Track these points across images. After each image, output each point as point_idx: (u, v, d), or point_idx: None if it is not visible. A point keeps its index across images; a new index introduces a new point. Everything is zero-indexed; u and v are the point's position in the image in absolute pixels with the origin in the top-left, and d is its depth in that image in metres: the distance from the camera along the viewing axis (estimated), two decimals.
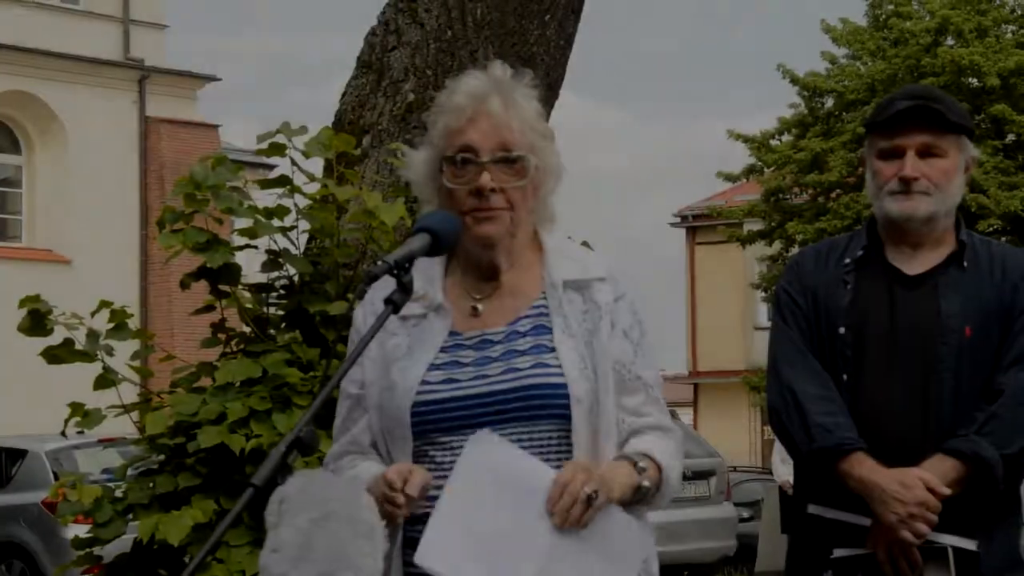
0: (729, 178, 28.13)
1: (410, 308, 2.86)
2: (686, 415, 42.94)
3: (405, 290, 2.72)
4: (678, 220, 43.81)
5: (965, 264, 3.59)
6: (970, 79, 26.68)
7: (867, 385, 3.53)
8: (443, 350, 2.90)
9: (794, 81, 26.85)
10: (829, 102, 27.46)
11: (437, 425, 2.85)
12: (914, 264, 3.61)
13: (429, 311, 2.92)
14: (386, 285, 2.80)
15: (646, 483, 2.84)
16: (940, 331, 3.51)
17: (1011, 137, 27.45)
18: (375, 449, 2.94)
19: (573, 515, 2.70)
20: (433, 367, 2.88)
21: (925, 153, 3.57)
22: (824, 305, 3.55)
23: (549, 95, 5.77)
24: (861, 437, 3.46)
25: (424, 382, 2.86)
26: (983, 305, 3.54)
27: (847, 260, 3.64)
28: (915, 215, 3.55)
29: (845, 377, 3.54)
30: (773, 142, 27.52)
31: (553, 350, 2.87)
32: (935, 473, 3.41)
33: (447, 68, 5.49)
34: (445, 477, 2.79)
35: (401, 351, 2.91)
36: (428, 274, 2.94)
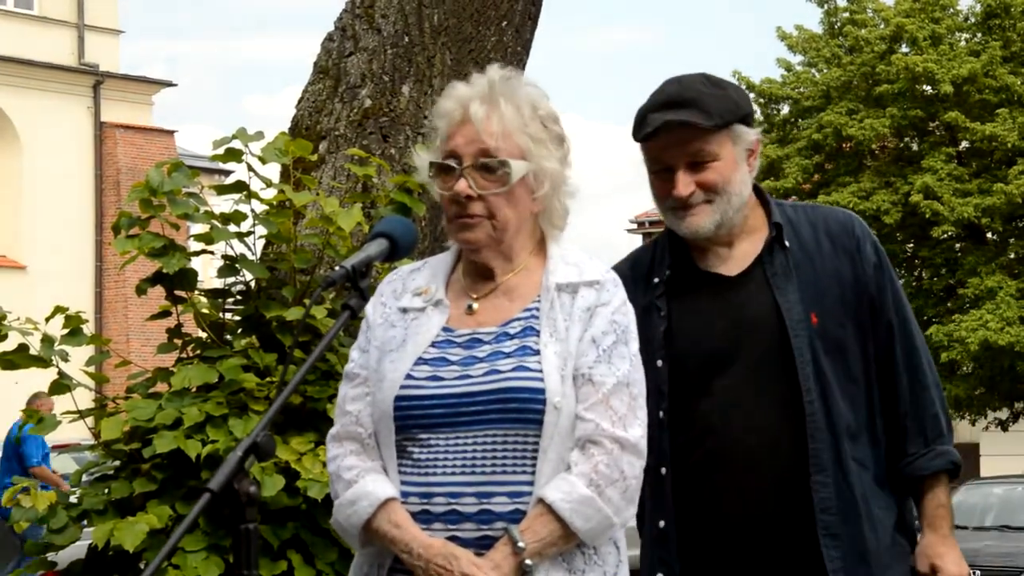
0: None
1: (412, 302, 2.94)
2: None
3: (363, 296, 2.71)
4: (635, 226, 43.87)
5: (787, 244, 3.35)
6: (924, 86, 26.88)
7: (723, 410, 3.27)
8: (434, 345, 2.90)
9: (750, 88, 26.99)
10: (785, 109, 27.64)
11: (417, 421, 2.84)
12: (732, 263, 3.37)
13: (428, 305, 2.95)
14: (397, 278, 2.95)
15: (528, 561, 2.75)
16: (788, 325, 3.26)
17: (964, 144, 27.67)
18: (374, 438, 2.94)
19: None
20: (421, 361, 2.88)
21: (695, 163, 3.30)
22: (643, 336, 3.06)
23: None
24: (728, 466, 3.23)
25: (409, 376, 2.87)
26: (820, 285, 3.31)
27: (656, 280, 3.41)
28: (701, 229, 3.31)
29: (661, 414, 3.27)
30: None
31: (537, 353, 2.85)
32: (934, 510, 3.35)
33: (404, 74, 5.50)
34: (422, 475, 2.82)
35: (395, 343, 2.93)
36: (436, 270, 3.01)
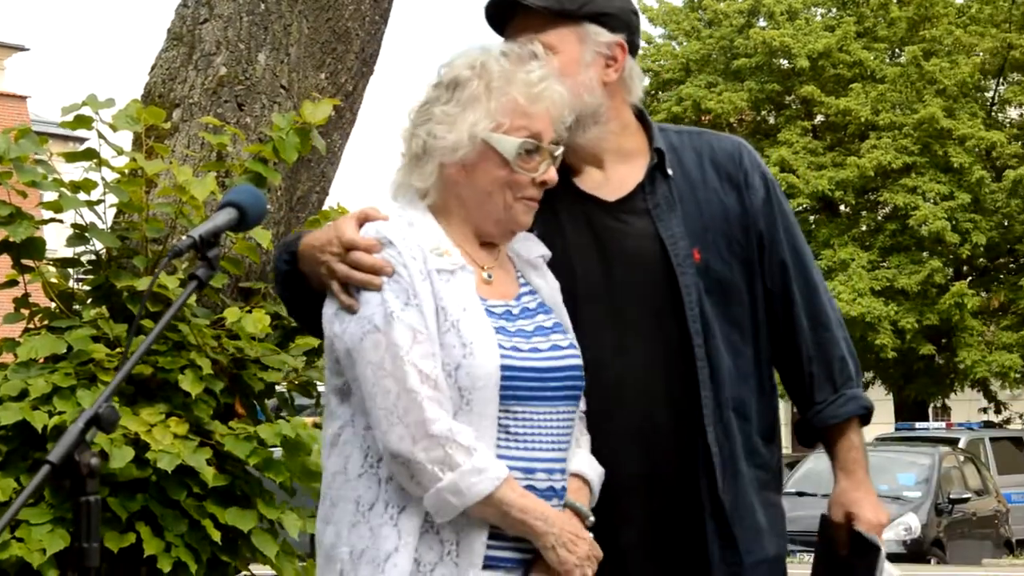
0: None
1: (439, 262, 2.75)
2: None
3: (211, 265, 2.68)
4: None
5: (670, 173, 3.06)
6: (781, 60, 27.30)
7: (602, 355, 2.95)
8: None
9: None
10: (646, 81, 27.88)
11: (515, 393, 2.72)
12: (608, 188, 3.05)
13: (457, 269, 2.77)
14: (414, 235, 2.73)
15: (591, 519, 2.83)
16: (673, 261, 2.99)
17: (820, 118, 28.18)
18: None
19: None
20: (496, 331, 2.75)
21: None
22: None
23: (364, 70, 5.76)
24: (617, 420, 2.94)
25: (500, 345, 2.73)
26: (704, 219, 3.04)
27: None
28: None
29: None
30: None
31: (566, 330, 2.86)
32: (847, 454, 3.15)
33: (260, 42, 5.44)
34: (523, 449, 2.73)
35: (458, 307, 2.72)
36: (429, 229, 2.80)
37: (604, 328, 2.96)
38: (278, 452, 4.63)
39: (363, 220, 2.81)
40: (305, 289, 2.89)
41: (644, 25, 27.89)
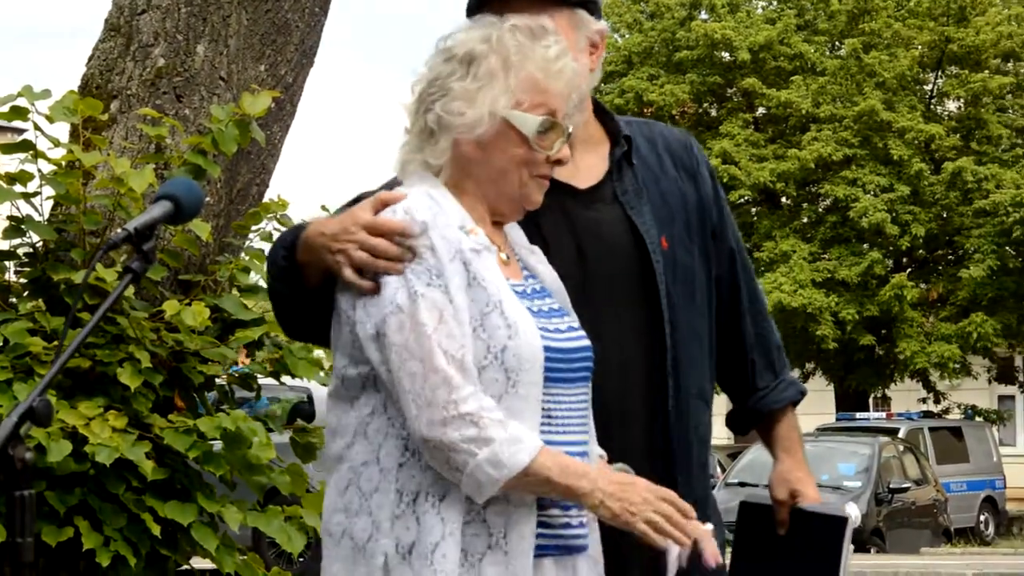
0: None
1: (468, 242, 2.65)
2: None
3: (146, 258, 2.66)
4: None
5: (635, 163, 3.10)
6: (723, 53, 27.42)
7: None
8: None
9: None
10: None
11: (551, 374, 2.66)
12: (579, 176, 3.05)
13: (483, 249, 2.68)
14: (443, 213, 2.64)
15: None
16: (649, 249, 3.02)
17: (761, 110, 28.33)
18: None
19: None
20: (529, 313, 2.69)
21: None
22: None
23: (304, 62, 5.74)
24: (598, 405, 2.87)
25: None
26: (668, 207, 3.08)
27: None
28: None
29: None
30: None
31: (570, 313, 2.80)
32: (789, 435, 3.20)
33: (199, 33, 5.41)
34: (560, 433, 2.66)
35: (496, 288, 2.64)
36: (450, 205, 2.70)
37: (580, 316, 2.90)
38: (218, 445, 4.61)
39: (380, 205, 2.71)
40: (301, 285, 2.82)
41: None
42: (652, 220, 3.03)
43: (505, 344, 2.60)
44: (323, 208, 5.13)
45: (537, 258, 2.85)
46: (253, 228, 5.20)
